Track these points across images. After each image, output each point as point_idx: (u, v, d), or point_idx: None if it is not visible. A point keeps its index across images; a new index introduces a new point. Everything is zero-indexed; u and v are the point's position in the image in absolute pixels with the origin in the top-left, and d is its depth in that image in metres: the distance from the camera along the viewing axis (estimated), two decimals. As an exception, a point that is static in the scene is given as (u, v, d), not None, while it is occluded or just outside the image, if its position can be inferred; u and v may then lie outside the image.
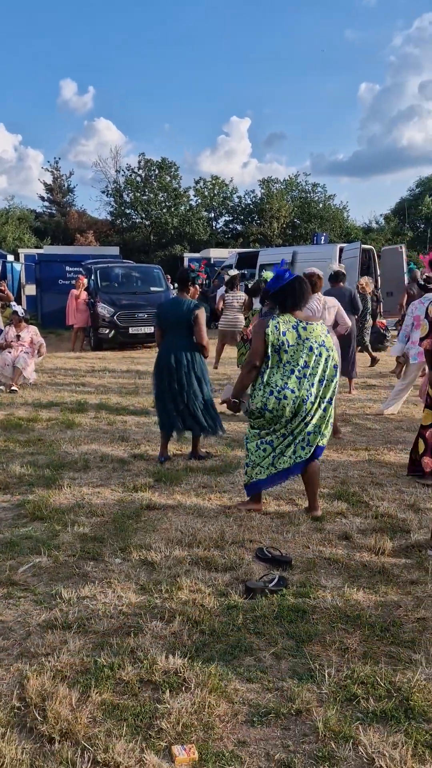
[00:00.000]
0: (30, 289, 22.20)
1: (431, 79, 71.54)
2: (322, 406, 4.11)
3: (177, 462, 5.56)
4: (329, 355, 4.09)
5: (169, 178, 42.32)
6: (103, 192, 43.64)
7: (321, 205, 43.99)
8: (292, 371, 4.04)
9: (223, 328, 10.74)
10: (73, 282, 15.95)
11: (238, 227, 44.88)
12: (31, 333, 9.54)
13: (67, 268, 19.48)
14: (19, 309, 9.90)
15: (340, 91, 78.10)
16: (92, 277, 15.48)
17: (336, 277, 8.44)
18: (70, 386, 9.60)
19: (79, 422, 7.06)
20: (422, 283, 7.19)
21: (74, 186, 53.47)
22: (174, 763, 2.08)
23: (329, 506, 4.50)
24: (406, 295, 11.93)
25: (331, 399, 4.15)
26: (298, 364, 4.04)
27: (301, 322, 4.09)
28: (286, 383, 4.03)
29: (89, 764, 2.06)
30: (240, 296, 10.60)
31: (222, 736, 2.24)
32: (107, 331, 14.33)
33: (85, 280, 15.28)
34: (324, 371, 4.08)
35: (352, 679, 2.53)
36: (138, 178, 42.34)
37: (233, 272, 11.26)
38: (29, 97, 72.15)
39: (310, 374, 4.04)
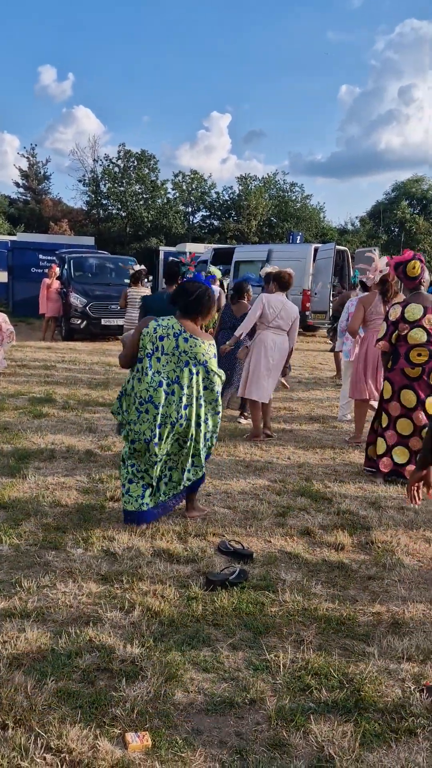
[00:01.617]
0: (1, 276, 21.88)
1: (411, 84, 72.32)
2: (201, 429, 3.80)
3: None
4: (207, 377, 3.75)
5: (147, 170, 42.06)
6: (79, 181, 43.11)
7: (298, 205, 44.24)
8: (161, 383, 3.64)
9: (127, 325, 9.99)
10: (46, 271, 15.78)
11: (215, 223, 44.87)
12: None
13: (41, 257, 19.24)
14: None
15: (321, 92, 78.70)
16: (65, 267, 15.33)
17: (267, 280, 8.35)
18: (39, 376, 9.50)
19: (46, 412, 7.01)
20: (365, 281, 7.28)
21: (50, 173, 52.83)
22: (127, 750, 2.10)
23: (292, 502, 4.56)
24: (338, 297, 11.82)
25: (206, 420, 3.81)
26: (169, 378, 3.65)
27: (185, 332, 3.66)
28: (151, 396, 3.63)
29: (42, 750, 2.07)
30: (141, 291, 9.94)
31: (176, 724, 2.26)
32: (79, 322, 14.22)
33: (58, 269, 15.13)
34: (198, 394, 3.73)
35: (306, 670, 2.58)
36: (116, 169, 41.99)
37: (138, 267, 10.59)
38: (7, 81, 70.89)
39: (184, 394, 3.66)
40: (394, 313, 5.03)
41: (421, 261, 5.03)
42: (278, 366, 6.29)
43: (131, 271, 10.49)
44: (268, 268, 8.54)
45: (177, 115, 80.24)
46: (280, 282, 6.29)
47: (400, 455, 5.05)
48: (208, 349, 3.72)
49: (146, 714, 2.29)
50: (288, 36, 76.23)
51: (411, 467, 5.02)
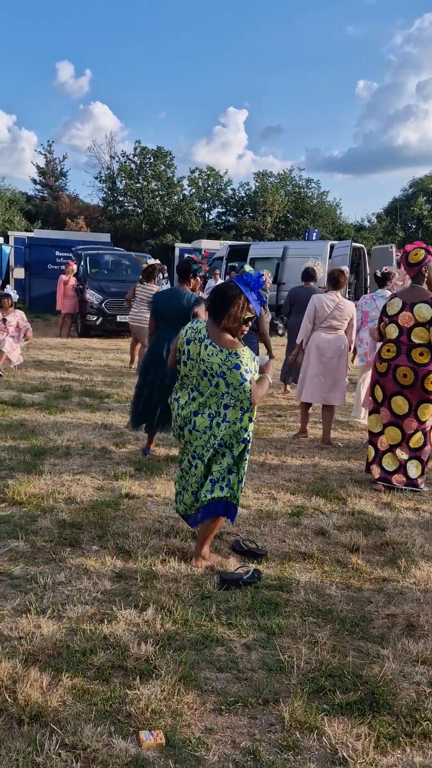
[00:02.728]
0: (18, 273, 22.07)
1: (430, 79, 71.62)
2: (218, 448, 3.35)
3: (158, 452, 5.58)
4: (227, 393, 3.27)
5: (163, 167, 42.10)
6: (96, 178, 43.30)
7: (314, 201, 44.02)
8: (187, 386, 3.47)
9: (132, 323, 9.72)
10: (63, 267, 15.87)
11: (231, 219, 44.82)
12: (17, 317, 9.48)
13: (57, 253, 19.37)
14: (13, 293, 9.84)
15: (338, 87, 78.21)
16: (82, 264, 15.40)
17: (307, 275, 8.31)
18: (55, 372, 9.56)
19: (62, 409, 7.06)
20: (379, 275, 7.12)
21: (67, 170, 52.95)
22: (141, 748, 2.12)
23: (307, 501, 4.55)
24: None
25: (230, 445, 3.33)
26: (191, 384, 3.44)
27: (207, 338, 3.32)
28: (178, 396, 3.51)
29: (57, 746, 2.09)
30: (152, 289, 9.28)
31: (190, 723, 2.27)
32: (95, 319, 14.28)
33: (75, 266, 15.20)
34: (217, 409, 3.33)
35: (320, 672, 2.58)
36: (132, 165, 42.08)
37: (152, 261, 10.14)
38: (25, 78, 71.42)
39: (201, 403, 3.38)
40: (383, 306, 5.07)
41: (427, 251, 4.90)
42: (335, 365, 6.14)
43: (144, 265, 10.09)
44: (309, 263, 8.53)
45: (193, 111, 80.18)
46: (331, 280, 6.30)
47: (388, 463, 4.93)
48: (226, 359, 3.24)
49: (160, 712, 2.30)
50: (305, 30, 75.81)
51: (399, 476, 4.89)
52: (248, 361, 3.28)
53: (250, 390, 3.25)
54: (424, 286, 4.90)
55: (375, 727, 2.27)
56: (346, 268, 6.52)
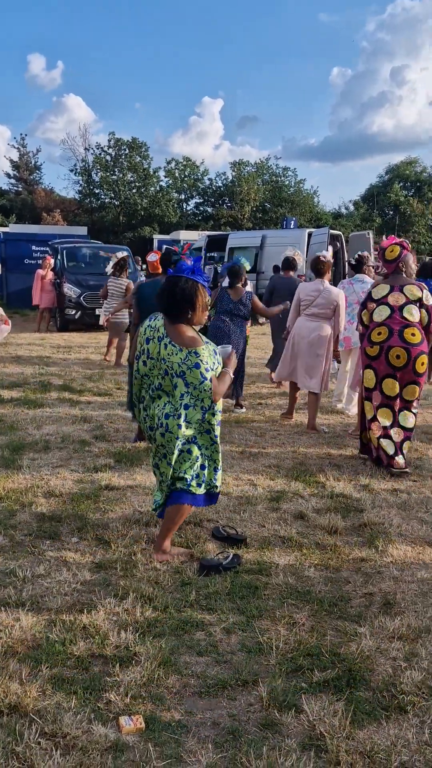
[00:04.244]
0: (-5, 268, 21.78)
1: (403, 66, 71.72)
2: (182, 447, 3.28)
3: (138, 443, 5.58)
4: (187, 392, 3.20)
5: (139, 158, 41.80)
6: (71, 170, 42.88)
7: (292, 190, 44.02)
8: (149, 388, 3.35)
9: (117, 319, 9.75)
10: (40, 262, 15.72)
11: (209, 210, 44.68)
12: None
13: (34, 248, 19.17)
14: None
15: (313, 76, 78.20)
16: (59, 257, 15.27)
17: (287, 265, 8.34)
18: (34, 367, 9.50)
19: (41, 403, 7.02)
20: (353, 263, 7.20)
21: (42, 163, 52.32)
22: (121, 733, 2.13)
23: (286, 486, 4.58)
24: None
25: (194, 438, 3.29)
26: (150, 380, 3.33)
27: (166, 337, 3.23)
28: (143, 397, 3.40)
29: (36, 735, 2.10)
30: (123, 283, 9.79)
31: (170, 707, 2.29)
32: (73, 313, 14.19)
33: (52, 260, 15.06)
34: (181, 410, 3.22)
35: (298, 652, 2.61)
36: (107, 157, 41.72)
37: (121, 254, 10.22)
38: (-4, 71, 70.17)
39: (168, 403, 3.27)
40: (367, 293, 5.09)
41: (403, 247, 4.98)
42: (314, 353, 6.14)
43: (114, 260, 10.17)
44: (289, 252, 8.55)
45: (169, 102, 79.68)
46: (314, 269, 6.35)
47: (386, 447, 4.95)
48: (186, 358, 3.16)
49: (140, 698, 2.31)
50: (279, 19, 75.50)
51: (398, 459, 4.92)
52: (208, 359, 3.21)
53: (211, 389, 3.20)
54: (403, 276, 5.00)
55: (352, 703, 2.31)
56: (325, 253, 6.50)
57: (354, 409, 7.02)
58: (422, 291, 4.88)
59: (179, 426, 3.22)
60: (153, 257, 6.19)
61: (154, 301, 5.00)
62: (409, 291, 4.84)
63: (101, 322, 10.86)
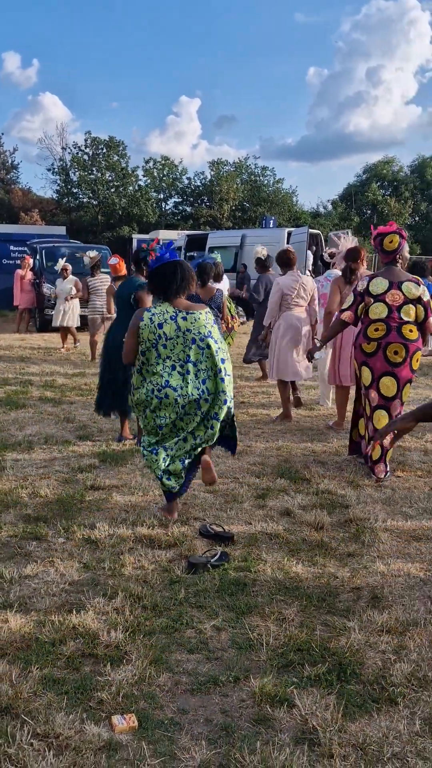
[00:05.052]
0: (-27, 269, 21.52)
1: (379, 66, 72.24)
2: (218, 402, 3.65)
3: (122, 443, 5.56)
4: (218, 348, 3.64)
5: (116, 158, 41.58)
6: (48, 170, 42.45)
7: (270, 189, 44.14)
8: (174, 367, 3.60)
9: (92, 315, 10.13)
10: (18, 262, 15.58)
11: (188, 209, 44.58)
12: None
13: (12, 248, 18.99)
14: None
15: (290, 75, 78.18)
16: (38, 257, 15.14)
17: (262, 266, 8.47)
18: (14, 368, 9.41)
19: (23, 404, 6.96)
20: (327, 260, 7.33)
21: (18, 162, 51.71)
22: (114, 733, 2.12)
23: (272, 484, 4.60)
24: None
25: (223, 392, 3.65)
26: (179, 359, 3.59)
27: (180, 311, 3.59)
28: (167, 381, 3.59)
29: (29, 736, 2.08)
30: (105, 279, 9.89)
31: (162, 705, 2.29)
32: (53, 313, 14.05)
33: (31, 260, 14.94)
34: (214, 365, 3.62)
35: (288, 647, 2.62)
36: (85, 157, 41.43)
37: (93, 254, 10.45)
38: (-30, 69, 69.24)
39: (199, 369, 3.60)
40: (362, 285, 4.93)
41: (401, 236, 4.93)
42: (306, 342, 6.37)
43: (87, 260, 10.28)
44: (259, 251, 8.64)
45: (146, 101, 79.07)
46: (284, 263, 6.42)
47: (375, 450, 4.83)
48: (207, 318, 3.62)
49: (132, 697, 2.31)
50: (255, 18, 75.58)
51: (380, 466, 4.79)
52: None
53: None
54: (398, 266, 4.97)
55: (343, 696, 2.33)
56: (289, 246, 6.67)
57: (328, 402, 7.11)
58: (419, 287, 4.82)
59: (222, 380, 3.63)
60: (114, 261, 6.34)
61: (123, 297, 5.31)
62: (407, 289, 4.77)
63: (57, 323, 11.21)
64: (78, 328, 11.79)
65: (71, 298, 11.34)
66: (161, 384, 3.59)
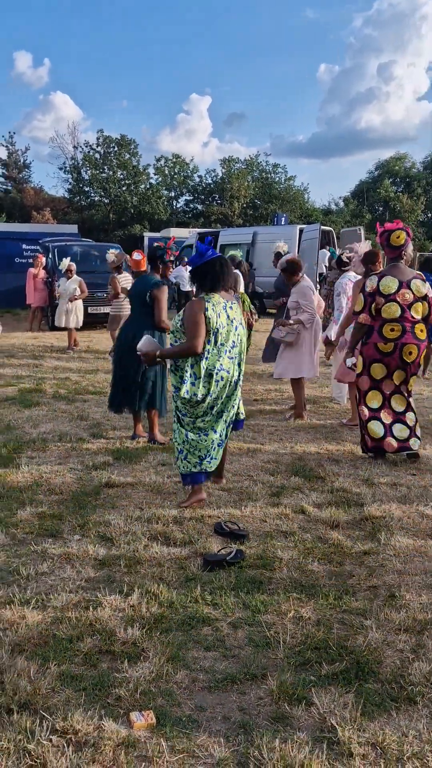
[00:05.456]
0: (-15, 268, 21.64)
1: (391, 61, 71.79)
2: (240, 383, 4.15)
3: (136, 440, 5.57)
4: (244, 334, 4.15)
5: (128, 156, 41.66)
6: (60, 168, 42.69)
7: (282, 186, 44.03)
8: (226, 351, 3.97)
9: (119, 313, 9.88)
10: (31, 260, 15.63)
11: (199, 207, 44.61)
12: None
13: (24, 246, 19.04)
14: None
15: (300, 72, 78.11)
16: (50, 256, 15.19)
17: (293, 269, 8.43)
18: (28, 366, 9.45)
19: (37, 402, 6.99)
20: (345, 261, 7.28)
21: (30, 162, 51.95)
22: (132, 729, 2.13)
23: (286, 482, 4.59)
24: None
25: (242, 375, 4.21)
26: (226, 345, 3.96)
27: (228, 302, 4.00)
28: (222, 365, 3.95)
29: (48, 733, 2.09)
30: (128, 278, 9.77)
31: (180, 702, 2.29)
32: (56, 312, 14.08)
33: (44, 259, 14.98)
34: (242, 351, 4.11)
35: (305, 645, 2.61)
36: (96, 155, 41.55)
37: (117, 252, 10.41)
38: (-18, 69, 69.63)
39: (237, 353, 4.05)
40: (371, 284, 4.96)
41: (407, 233, 4.98)
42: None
43: (113, 258, 10.16)
44: (280, 246, 8.68)
45: (156, 99, 79.38)
46: (296, 269, 6.44)
47: (400, 431, 5.04)
48: (238, 309, 4.10)
49: (150, 693, 2.31)
50: (265, 15, 75.40)
51: (413, 440, 5.02)
52: None
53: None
54: (402, 263, 5.00)
55: (362, 695, 2.32)
56: (294, 255, 6.72)
57: (344, 399, 7.09)
58: (425, 284, 4.94)
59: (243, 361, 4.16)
60: (138, 256, 6.32)
61: (138, 295, 5.47)
62: (415, 287, 4.88)
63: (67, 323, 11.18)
64: (81, 328, 11.69)
65: (75, 298, 11.23)
66: (218, 368, 3.93)
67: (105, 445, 5.43)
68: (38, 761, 1.98)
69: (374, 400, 5.06)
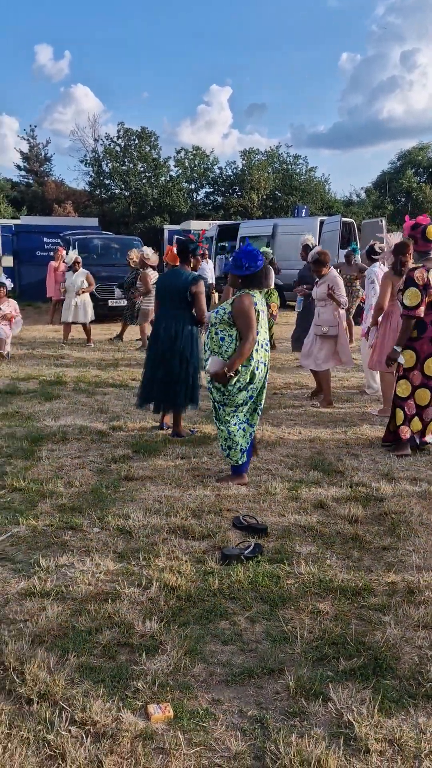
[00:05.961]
0: (7, 261, 21.82)
1: (414, 49, 70.65)
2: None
3: (156, 434, 5.59)
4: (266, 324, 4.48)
5: (148, 148, 41.64)
6: (81, 161, 42.82)
7: (302, 178, 43.67)
8: (261, 343, 4.34)
9: (146, 307, 10.12)
10: (52, 253, 15.74)
11: (219, 199, 44.46)
12: (11, 306, 9.44)
13: (45, 240, 19.18)
14: (7, 281, 9.82)
15: (321, 61, 77.19)
16: (71, 249, 15.26)
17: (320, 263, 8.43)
18: (48, 359, 9.54)
19: (57, 395, 7.05)
20: (378, 251, 7.22)
21: (51, 155, 52.07)
22: (150, 721, 2.15)
23: (305, 476, 4.57)
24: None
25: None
26: (260, 335, 4.33)
27: (260, 296, 4.42)
28: (261, 357, 4.34)
29: (67, 723, 2.12)
30: (155, 274, 9.82)
31: (197, 695, 2.31)
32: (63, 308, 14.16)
33: (65, 252, 15.06)
34: (266, 338, 4.43)
35: (323, 640, 2.61)
36: (117, 148, 41.58)
37: (145, 249, 10.48)
38: (3, 62, 70.02)
39: (264, 341, 4.39)
40: (420, 277, 4.90)
41: None
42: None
43: (137, 258, 10.29)
44: (308, 238, 8.87)
45: (176, 91, 79.09)
46: (323, 262, 6.72)
47: (414, 425, 5.10)
48: (263, 299, 4.47)
49: (167, 686, 2.33)
50: (286, 4, 74.58)
51: (425, 438, 5.04)
52: None
53: None
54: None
55: (379, 691, 2.31)
56: (317, 246, 6.78)
57: (375, 386, 7.10)
58: None
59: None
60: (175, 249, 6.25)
61: (169, 290, 5.53)
62: None
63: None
64: (100, 321, 11.64)
65: (82, 291, 11.14)
66: (257, 359, 4.29)
67: (124, 438, 5.47)
68: (57, 751, 2.01)
69: (405, 388, 5.07)
